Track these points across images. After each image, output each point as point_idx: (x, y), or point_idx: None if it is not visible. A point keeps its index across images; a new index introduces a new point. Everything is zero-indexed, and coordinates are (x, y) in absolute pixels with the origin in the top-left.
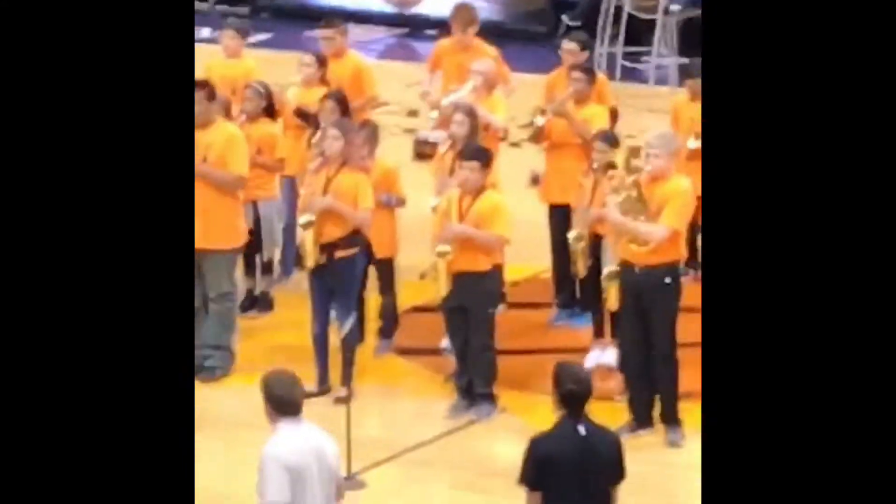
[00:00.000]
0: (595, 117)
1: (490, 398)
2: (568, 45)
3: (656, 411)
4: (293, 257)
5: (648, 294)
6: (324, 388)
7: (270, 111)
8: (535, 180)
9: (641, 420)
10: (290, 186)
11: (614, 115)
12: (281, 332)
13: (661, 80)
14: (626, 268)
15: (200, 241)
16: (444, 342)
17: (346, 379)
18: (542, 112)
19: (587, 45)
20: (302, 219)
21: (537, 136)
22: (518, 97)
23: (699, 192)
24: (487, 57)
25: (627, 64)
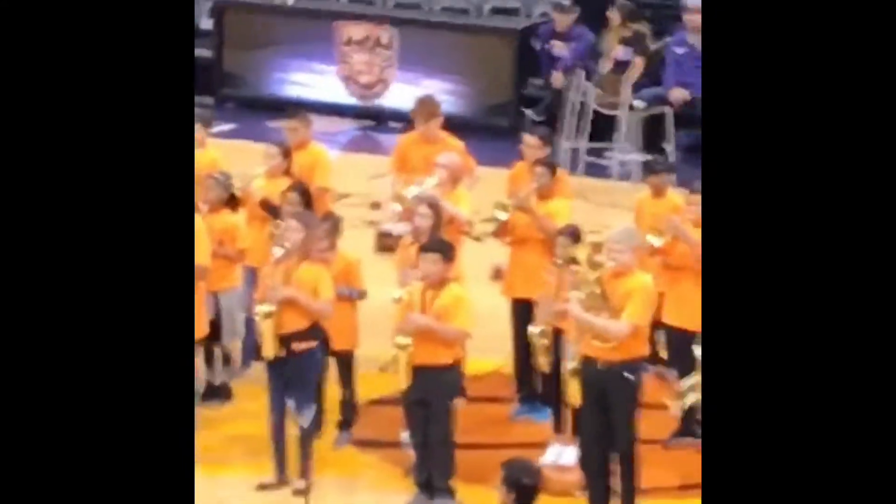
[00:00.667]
0: (558, 212)
1: (450, 492)
2: (530, 140)
3: None
4: (252, 348)
5: (610, 389)
6: (282, 479)
7: (232, 202)
8: (498, 274)
9: None
10: (253, 277)
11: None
12: (240, 423)
13: (625, 176)
14: (587, 363)
15: None
16: (404, 435)
17: (305, 471)
18: (504, 207)
19: (550, 140)
20: (261, 309)
21: (500, 230)
22: (481, 191)
23: (661, 290)
24: (453, 150)
25: (591, 159)
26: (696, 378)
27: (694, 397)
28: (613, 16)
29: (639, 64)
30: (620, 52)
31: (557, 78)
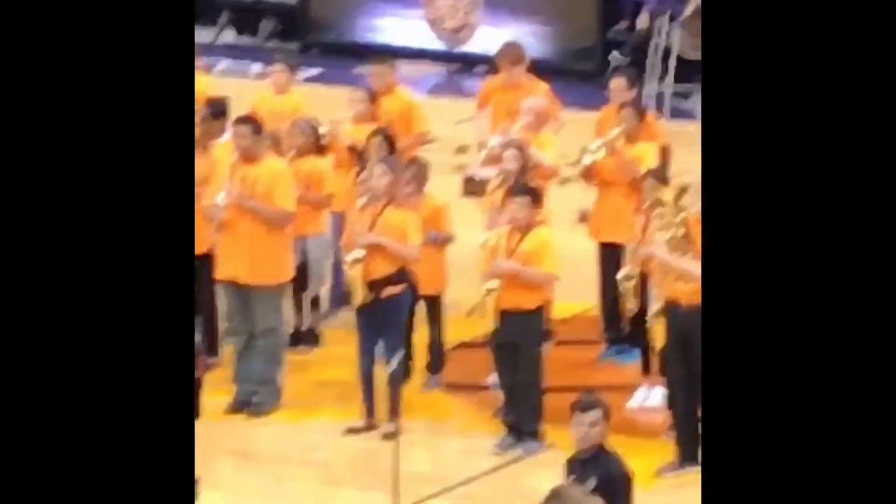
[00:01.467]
0: (644, 155)
1: (537, 435)
2: (616, 83)
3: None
4: (340, 293)
5: (694, 331)
6: (371, 423)
7: (319, 147)
8: (584, 218)
9: (687, 457)
10: (338, 222)
11: (666, 153)
12: (328, 368)
13: None
14: (672, 306)
15: (248, 276)
16: (492, 378)
17: (394, 414)
18: (591, 151)
19: (636, 83)
20: (350, 255)
21: (587, 173)
22: (567, 134)
23: None
24: (538, 94)
25: (676, 102)
26: None
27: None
28: None
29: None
30: None
31: (643, 19)
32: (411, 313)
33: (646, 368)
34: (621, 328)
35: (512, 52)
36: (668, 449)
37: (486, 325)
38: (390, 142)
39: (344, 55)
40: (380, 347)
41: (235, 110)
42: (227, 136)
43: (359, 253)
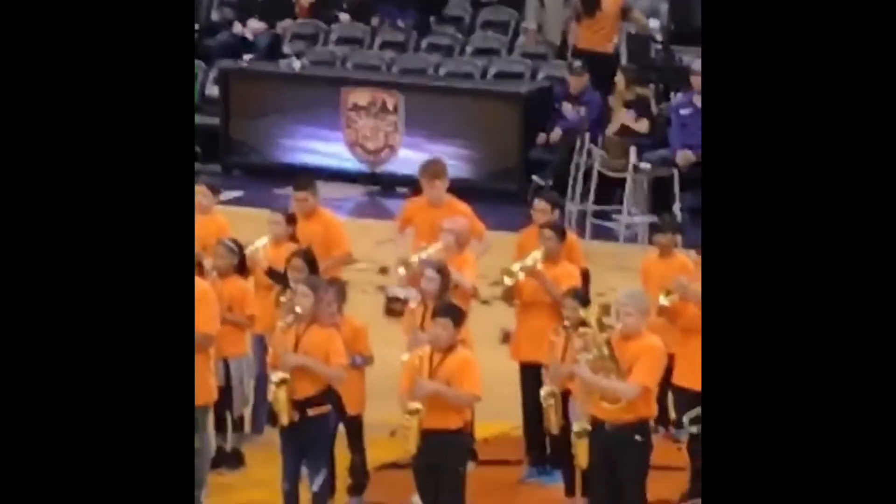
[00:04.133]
0: (566, 276)
1: None
2: (539, 205)
3: None
4: (264, 414)
5: (619, 451)
6: None
7: (241, 268)
8: (506, 338)
9: None
10: (260, 343)
11: (586, 276)
12: (251, 490)
13: (631, 239)
14: (596, 425)
15: None
16: (415, 499)
17: None
18: (511, 273)
19: (558, 204)
20: (275, 376)
21: (508, 294)
22: (489, 255)
23: (671, 351)
24: (459, 215)
25: (598, 222)
26: (698, 410)
27: (696, 428)
28: (619, 80)
29: (642, 126)
30: (624, 114)
31: (559, 136)
32: (334, 434)
33: (569, 490)
34: (544, 449)
35: (433, 167)
36: None
37: (408, 445)
38: (311, 264)
39: (265, 177)
40: (304, 469)
41: None
42: None
43: (284, 374)
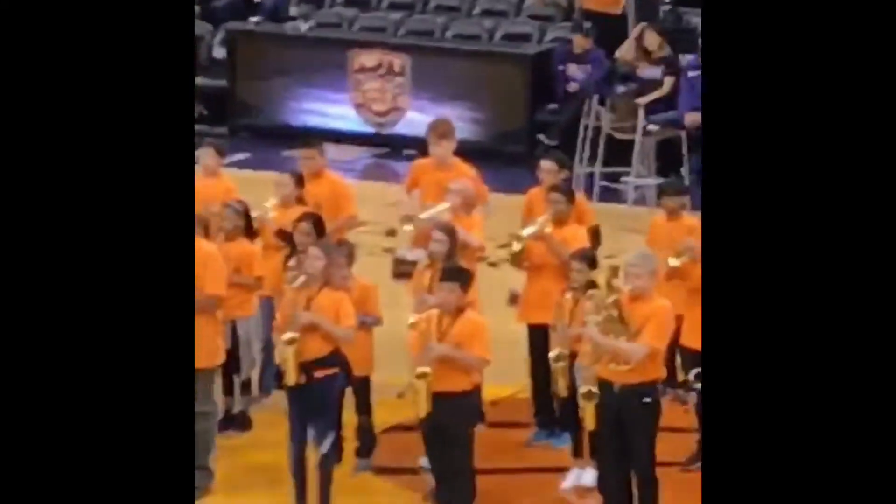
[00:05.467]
0: (574, 238)
1: None
2: (546, 165)
3: None
4: (272, 376)
5: (628, 413)
6: None
7: (248, 230)
8: (514, 300)
9: None
10: (267, 305)
11: (596, 234)
12: (259, 452)
13: (640, 201)
14: (605, 387)
15: None
16: (423, 461)
17: (324, 499)
18: (519, 238)
19: (565, 165)
20: (285, 336)
21: (516, 258)
22: (497, 217)
23: (679, 312)
24: (465, 176)
25: (606, 184)
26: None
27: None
28: (651, 37)
29: (667, 84)
30: (648, 71)
31: (571, 100)
32: (342, 396)
33: (577, 451)
34: (552, 411)
35: (441, 127)
36: None
37: (416, 407)
38: (318, 226)
39: (272, 139)
40: (312, 431)
41: None
42: None
43: (293, 333)
